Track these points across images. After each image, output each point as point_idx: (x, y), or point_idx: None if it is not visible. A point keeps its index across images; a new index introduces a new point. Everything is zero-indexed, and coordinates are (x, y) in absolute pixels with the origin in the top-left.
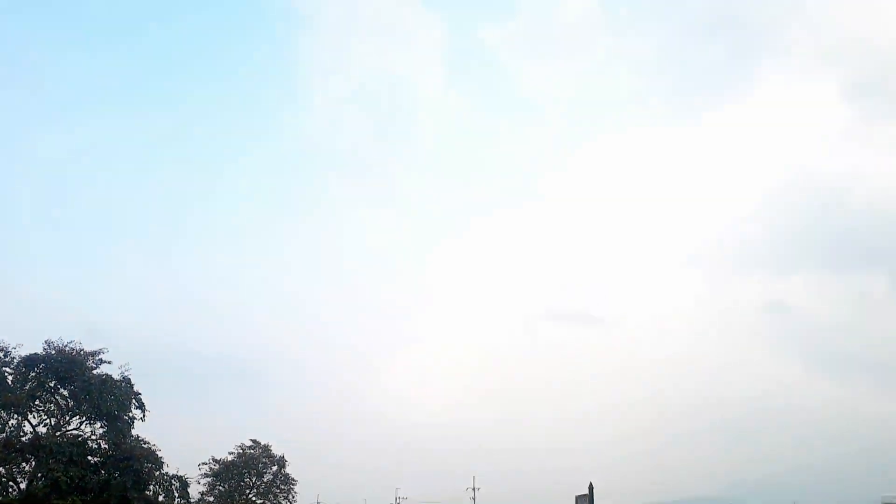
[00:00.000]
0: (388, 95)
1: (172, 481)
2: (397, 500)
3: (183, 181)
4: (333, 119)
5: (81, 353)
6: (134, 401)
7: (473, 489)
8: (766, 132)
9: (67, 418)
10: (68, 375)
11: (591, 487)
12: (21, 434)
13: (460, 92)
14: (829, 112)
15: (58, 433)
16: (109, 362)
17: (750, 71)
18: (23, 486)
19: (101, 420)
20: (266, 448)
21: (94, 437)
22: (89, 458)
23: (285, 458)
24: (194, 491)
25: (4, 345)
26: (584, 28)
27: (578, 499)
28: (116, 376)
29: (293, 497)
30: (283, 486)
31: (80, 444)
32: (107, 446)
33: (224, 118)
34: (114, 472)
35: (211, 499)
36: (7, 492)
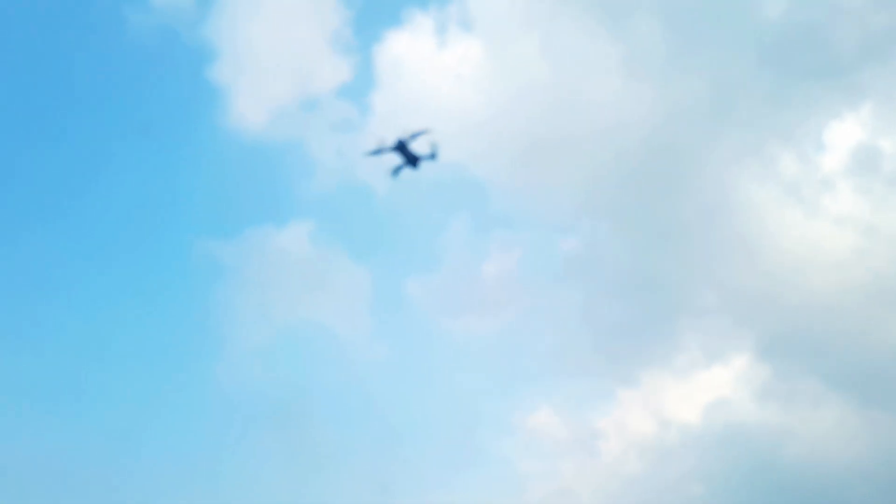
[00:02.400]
0: (313, 343)
1: None
2: None
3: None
4: (254, 368)
5: None
6: None
7: None
8: (693, 390)
9: None
10: None
11: None
12: None
13: (386, 343)
14: (750, 369)
15: None
16: None
17: (670, 329)
18: None
19: None
20: None
21: None
22: None
23: None
24: None
25: None
26: (504, 285)
27: None
28: None
29: None
30: None
31: None
32: None
33: (147, 364)
34: None
35: None
36: None
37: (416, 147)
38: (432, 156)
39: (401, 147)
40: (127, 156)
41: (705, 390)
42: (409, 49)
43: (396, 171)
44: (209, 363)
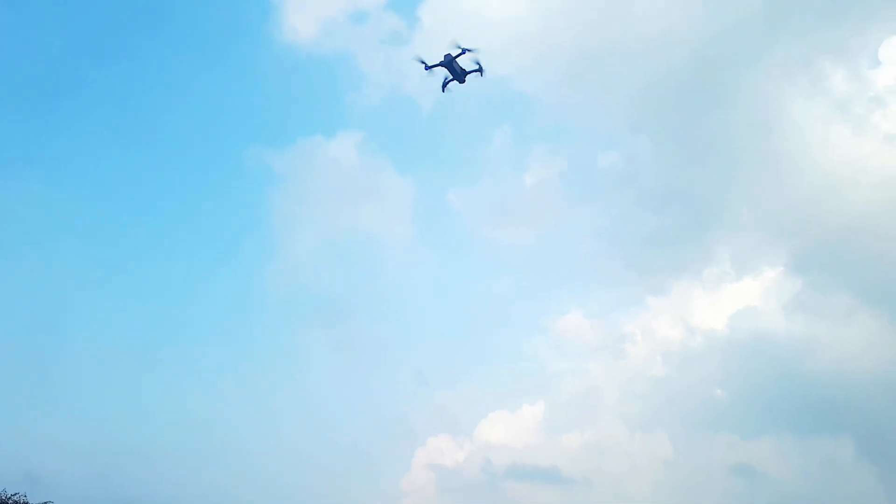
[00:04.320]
0: (358, 249)
1: None
2: None
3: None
4: (303, 269)
5: None
6: None
7: None
8: (722, 300)
9: None
10: None
11: None
12: None
13: (427, 249)
14: (781, 282)
15: None
16: None
17: (703, 243)
18: None
19: None
20: None
21: None
22: None
23: None
24: None
25: None
26: (544, 198)
27: None
28: None
29: None
30: None
31: None
32: None
33: (202, 263)
34: None
35: None
36: None
37: (463, 62)
38: (479, 70)
39: (448, 62)
40: (185, 69)
41: (734, 300)
42: None
43: (444, 84)
44: (261, 265)
